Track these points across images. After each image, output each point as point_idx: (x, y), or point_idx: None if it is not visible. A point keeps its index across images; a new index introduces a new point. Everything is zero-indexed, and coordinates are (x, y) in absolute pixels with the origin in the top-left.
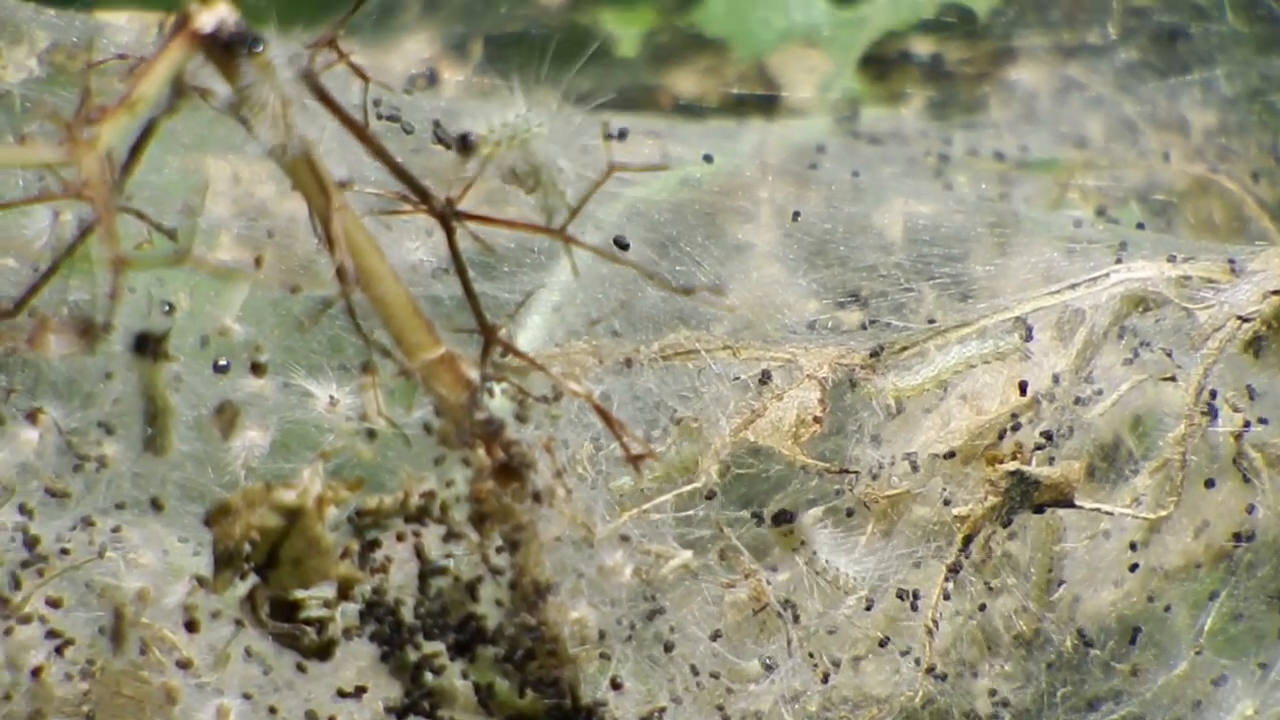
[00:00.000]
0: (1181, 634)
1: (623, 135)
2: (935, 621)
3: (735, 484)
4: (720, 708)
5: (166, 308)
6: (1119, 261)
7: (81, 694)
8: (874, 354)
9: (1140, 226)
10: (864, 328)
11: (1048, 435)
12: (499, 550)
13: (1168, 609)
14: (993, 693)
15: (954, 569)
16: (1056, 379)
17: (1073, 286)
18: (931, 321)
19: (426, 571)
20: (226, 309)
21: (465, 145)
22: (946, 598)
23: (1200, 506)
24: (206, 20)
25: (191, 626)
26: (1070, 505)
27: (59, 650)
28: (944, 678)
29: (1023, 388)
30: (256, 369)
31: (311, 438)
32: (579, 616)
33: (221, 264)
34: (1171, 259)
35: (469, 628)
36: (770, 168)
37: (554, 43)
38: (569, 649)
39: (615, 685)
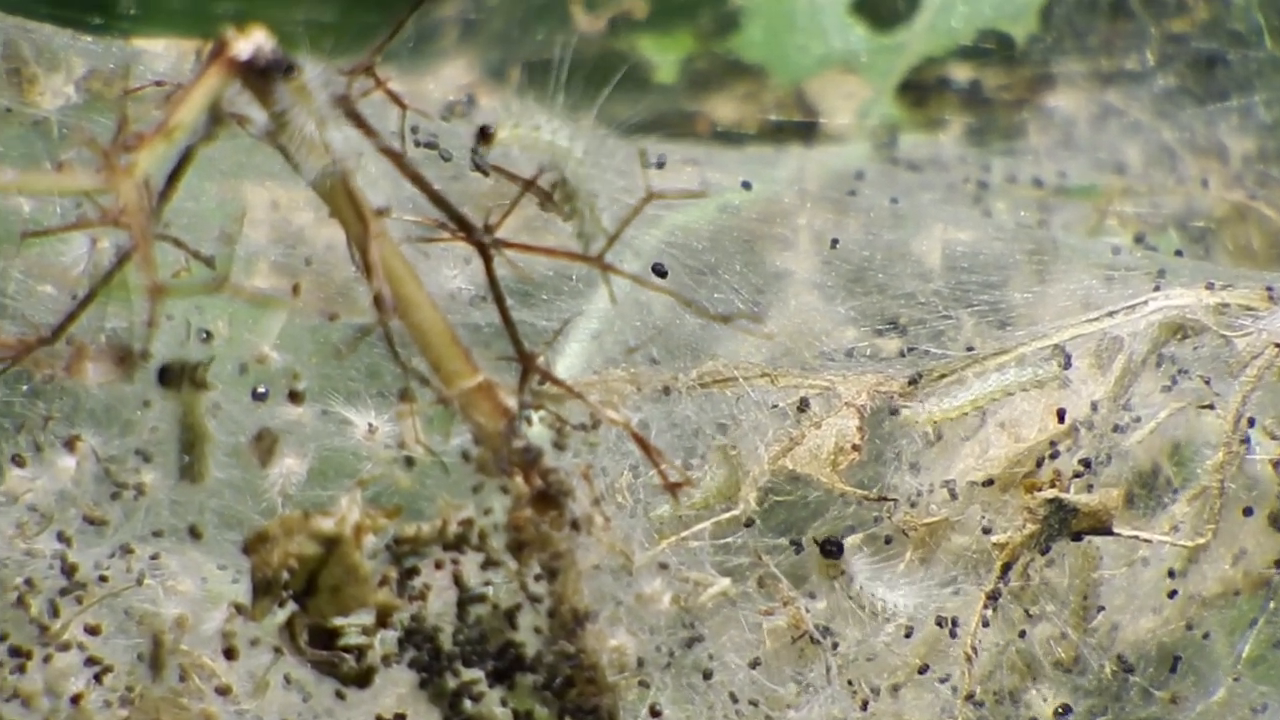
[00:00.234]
0: (1220, 661)
1: (661, 162)
2: (974, 649)
3: (774, 511)
4: None
5: (204, 335)
6: (1157, 289)
7: None
8: (912, 381)
9: (1179, 253)
10: (902, 355)
11: (1086, 463)
12: (537, 578)
13: (1206, 636)
14: None
15: (993, 596)
16: (1095, 406)
17: (1111, 314)
18: (970, 349)
19: (465, 599)
20: (265, 336)
21: (483, 135)
22: (985, 625)
23: (1238, 534)
24: (243, 47)
25: (230, 654)
26: (1108, 533)
27: (98, 677)
28: (983, 705)
29: (1061, 415)
30: (295, 396)
31: (349, 465)
32: (618, 644)
33: (259, 291)
34: (1210, 286)
35: (508, 655)
36: (809, 194)
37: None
38: (608, 676)
39: (654, 713)
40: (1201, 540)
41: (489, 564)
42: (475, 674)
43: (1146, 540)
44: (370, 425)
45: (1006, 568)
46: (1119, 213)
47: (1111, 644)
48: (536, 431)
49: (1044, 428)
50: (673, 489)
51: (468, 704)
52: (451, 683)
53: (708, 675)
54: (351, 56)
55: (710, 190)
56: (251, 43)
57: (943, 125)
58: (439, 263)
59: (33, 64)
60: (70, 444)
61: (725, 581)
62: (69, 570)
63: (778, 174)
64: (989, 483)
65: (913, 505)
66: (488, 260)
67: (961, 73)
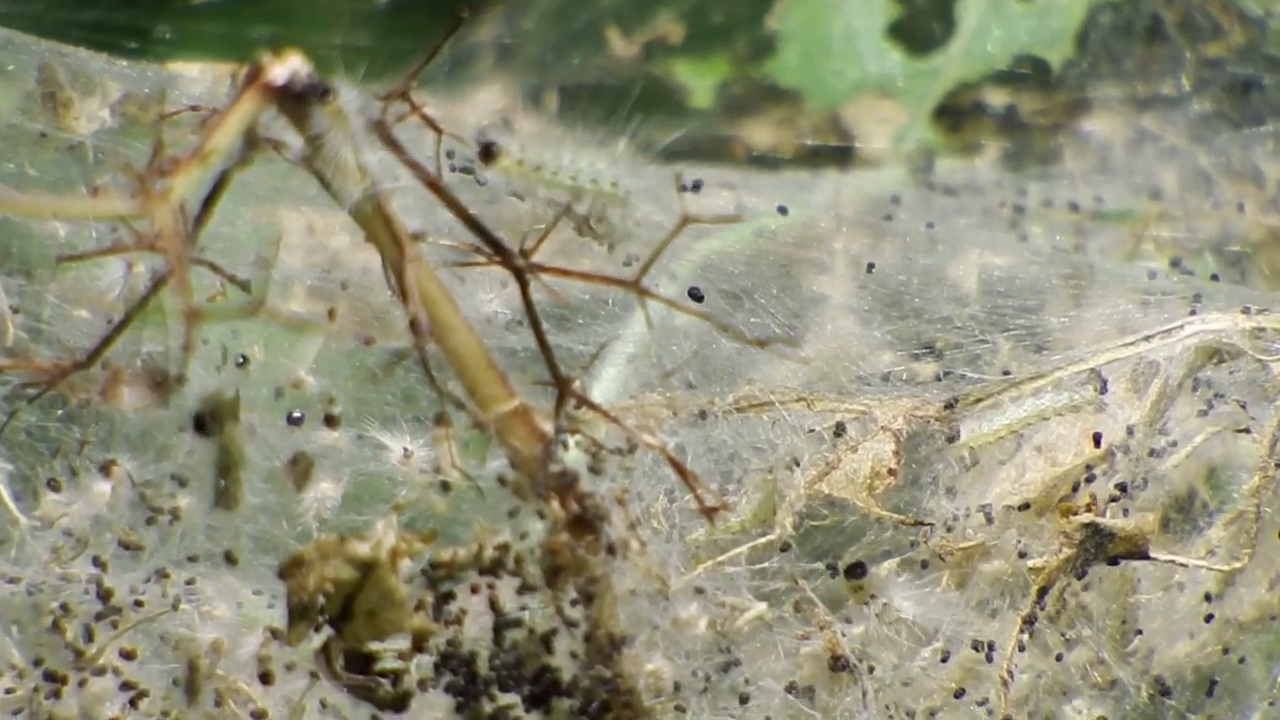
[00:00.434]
0: (1257, 685)
1: (697, 186)
2: (1010, 673)
3: (810, 536)
4: None
5: (240, 360)
6: (1193, 313)
7: None
8: (949, 406)
9: (1215, 278)
10: (939, 380)
11: (1122, 487)
12: (574, 602)
13: (1243, 660)
14: None
15: (1029, 620)
16: (1131, 431)
17: (1147, 338)
18: (1006, 373)
19: (501, 623)
20: (300, 361)
21: (487, 154)
22: (1021, 649)
23: (1275, 558)
24: (279, 72)
25: (266, 678)
26: (1145, 557)
27: (133, 702)
28: None
29: (1097, 440)
30: (330, 421)
31: (385, 490)
32: (654, 669)
33: (295, 316)
34: (1246, 310)
35: (544, 680)
36: (845, 219)
37: (628, 94)
38: (644, 701)
39: None
40: (1238, 564)
41: (525, 589)
42: (511, 699)
43: (1183, 564)
44: (406, 450)
45: (1043, 592)
46: (1155, 237)
47: (1148, 668)
48: (572, 456)
49: (1080, 452)
50: (709, 513)
51: None
52: (487, 707)
53: (744, 700)
54: (387, 81)
55: (746, 215)
56: (287, 68)
57: (978, 150)
58: (475, 287)
59: (68, 88)
60: (106, 469)
61: (761, 606)
62: (104, 595)
63: (814, 199)
64: (1025, 507)
65: (949, 530)
66: (524, 285)
67: (997, 97)
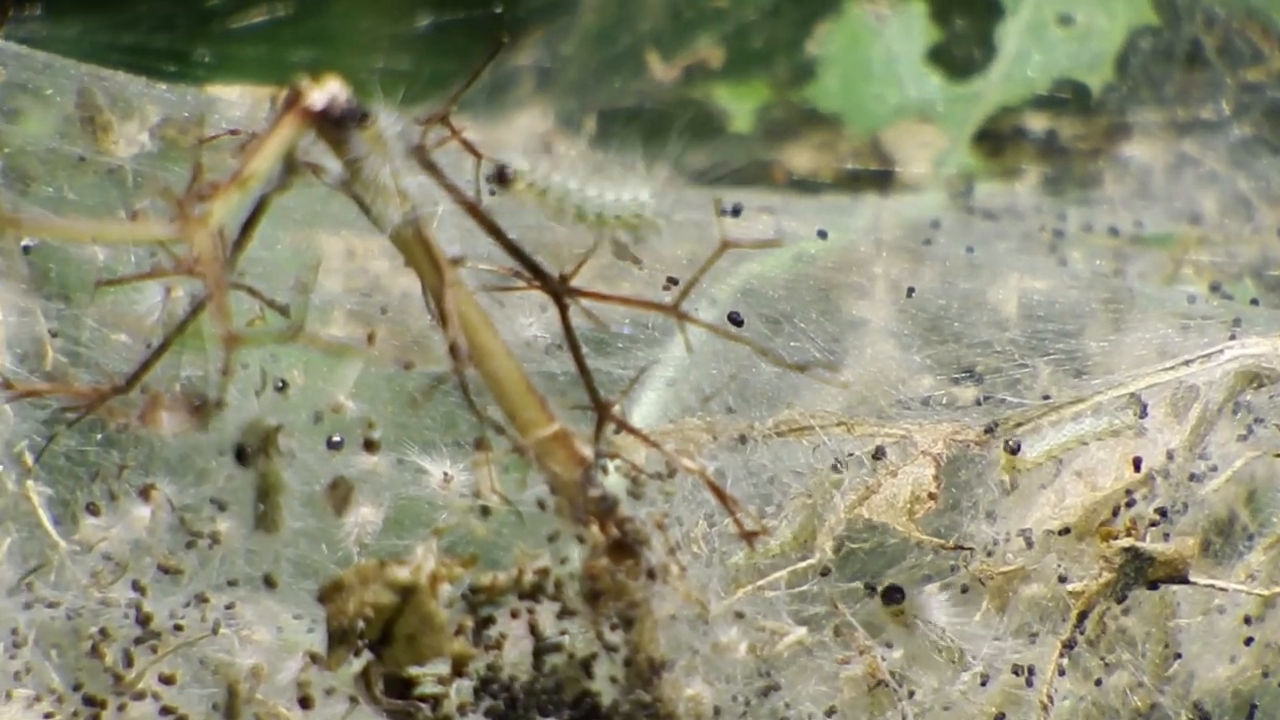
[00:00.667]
0: None
1: (737, 211)
2: (1050, 697)
3: (850, 560)
4: None
5: (280, 384)
6: (1233, 337)
7: None
8: (989, 430)
9: (1254, 302)
10: (979, 404)
11: (1162, 511)
12: (613, 627)
13: None
14: None
15: (1069, 645)
16: (1171, 455)
17: (1187, 363)
18: (1046, 398)
19: (541, 648)
20: (340, 385)
21: (502, 178)
22: (1061, 673)
23: None
24: (318, 97)
25: (306, 703)
26: (1185, 581)
27: None
28: None
29: (1137, 464)
30: (370, 445)
31: (425, 514)
32: (694, 693)
33: (334, 340)
34: None
35: (584, 704)
36: (885, 243)
37: (668, 118)
38: None
39: None
40: (1278, 588)
41: (565, 613)
42: None
43: (1223, 588)
44: (446, 474)
45: (1083, 616)
46: (1195, 261)
47: (1188, 692)
48: (612, 481)
49: (1120, 476)
50: (749, 537)
51: None
52: None
53: None
54: (427, 105)
55: (786, 239)
56: (326, 92)
57: (1018, 174)
58: (514, 311)
59: (107, 112)
60: (145, 493)
61: (801, 630)
62: (144, 619)
63: (854, 223)
64: (1065, 531)
65: (989, 554)
66: (563, 309)
67: (1037, 122)
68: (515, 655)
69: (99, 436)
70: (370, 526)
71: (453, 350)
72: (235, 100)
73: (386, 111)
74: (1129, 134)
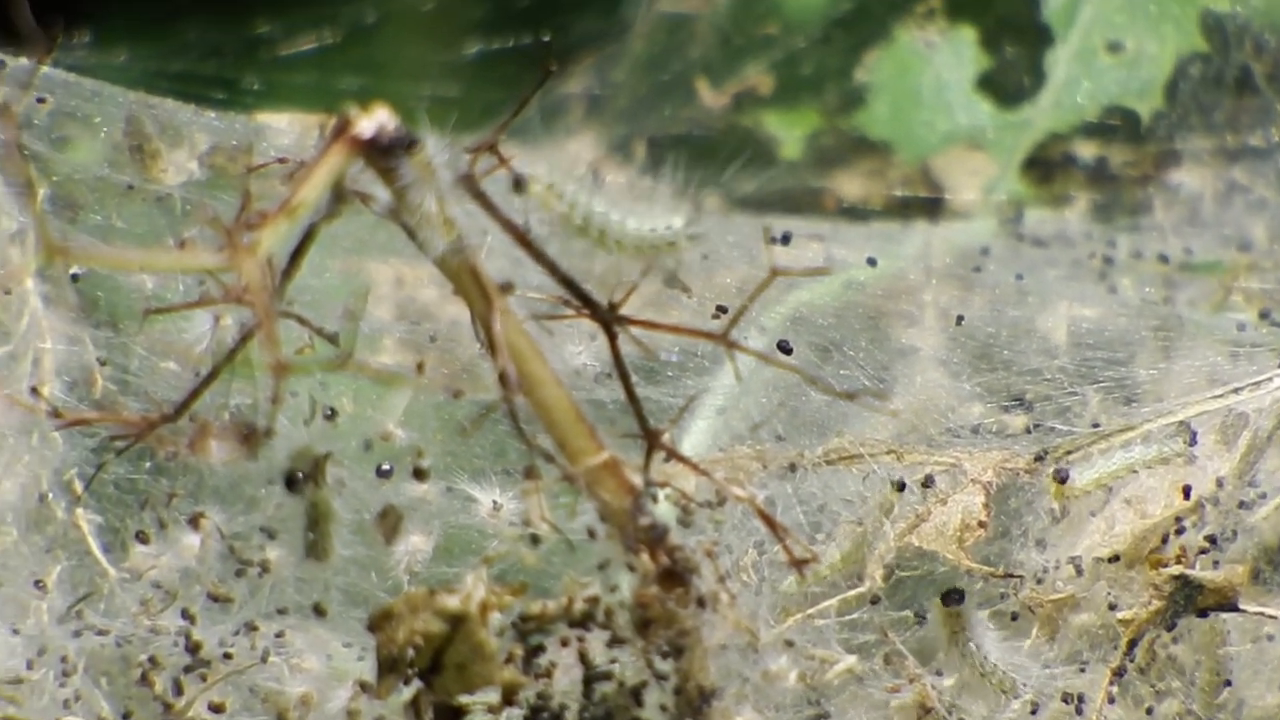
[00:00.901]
0: None
1: (786, 239)
2: None
3: (900, 588)
4: None
5: (329, 412)
6: None
7: None
8: (1038, 458)
9: None
10: (1028, 432)
11: (1212, 539)
12: (663, 655)
13: None
14: None
15: (1119, 673)
16: (1220, 483)
17: (1236, 390)
18: (1096, 425)
19: (591, 676)
20: (389, 413)
21: (517, 185)
22: (1111, 701)
23: None
24: (366, 125)
25: None
26: (1234, 609)
27: None
28: None
29: (1187, 491)
30: (419, 474)
31: (475, 543)
32: None
33: (384, 368)
34: None
35: None
36: (934, 271)
37: (717, 145)
38: None
39: None
40: None
41: (615, 641)
42: None
43: (1272, 616)
44: (495, 502)
45: (1132, 644)
46: (1244, 289)
47: (1238, 719)
48: (662, 508)
49: (1170, 504)
50: (798, 566)
51: None
52: None
53: None
54: (476, 133)
55: (835, 266)
56: (374, 121)
57: (1068, 201)
58: (564, 339)
59: (155, 139)
60: (194, 521)
61: (851, 659)
62: (193, 648)
63: (903, 250)
64: (1115, 559)
65: (1039, 582)
66: (612, 337)
67: (1087, 149)
68: (565, 683)
69: (148, 464)
70: (420, 554)
71: (502, 378)
72: (284, 128)
73: (435, 139)
74: (1178, 161)
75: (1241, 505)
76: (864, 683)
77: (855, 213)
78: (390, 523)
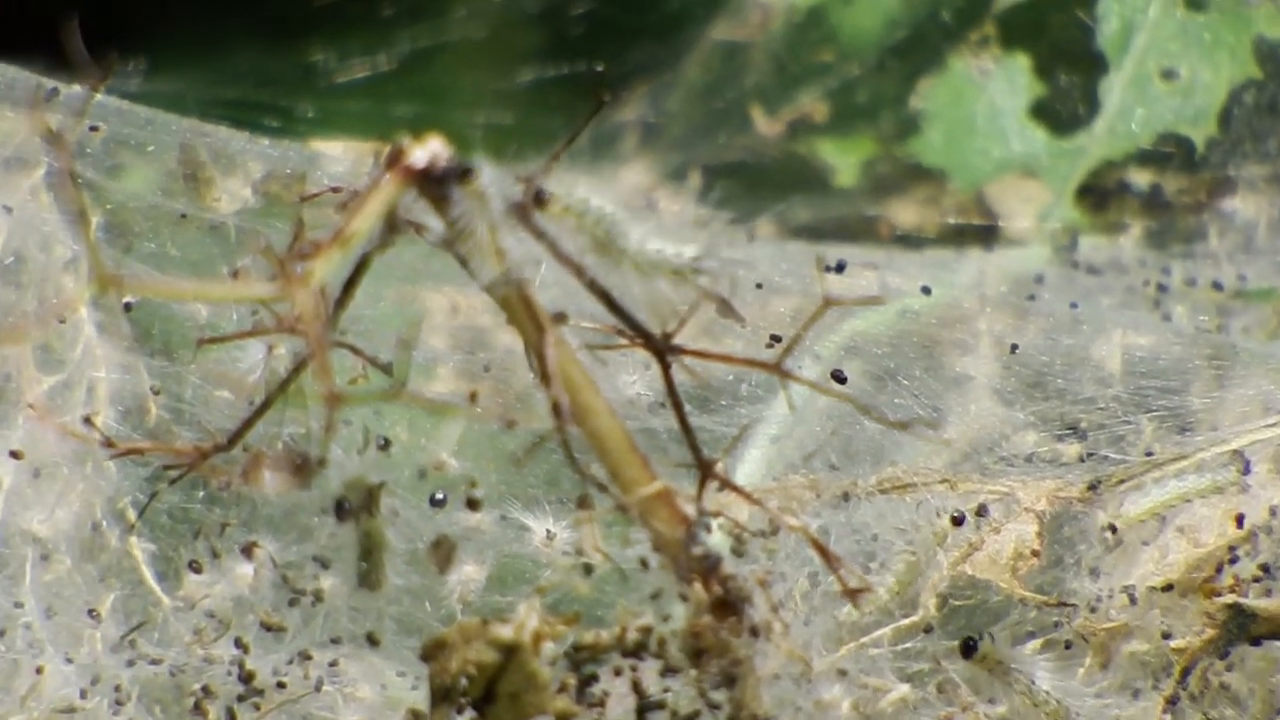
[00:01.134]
0: None
1: (841, 267)
2: None
3: (953, 617)
4: None
5: (382, 442)
6: None
7: None
8: (1092, 487)
9: None
10: (1082, 460)
11: (1265, 568)
12: (717, 685)
13: None
14: None
15: (1172, 701)
16: (1274, 511)
17: None
18: (1149, 454)
19: (644, 706)
20: (443, 443)
21: (538, 199)
22: None
23: None
24: (419, 155)
25: None
26: None
27: None
28: None
29: (1240, 520)
30: (473, 503)
31: (528, 572)
32: None
33: (436, 399)
34: None
35: None
36: (989, 299)
37: (772, 173)
38: None
39: None
40: None
41: (668, 671)
42: None
43: None
44: (549, 532)
45: (1186, 673)
46: None
47: None
48: (716, 538)
49: (1223, 533)
50: (852, 595)
51: None
52: None
53: None
54: (530, 161)
55: (890, 295)
56: (427, 151)
57: (1122, 229)
58: (617, 369)
59: (209, 167)
60: (248, 550)
61: (905, 688)
62: (246, 677)
63: (958, 278)
64: (1168, 588)
65: (1092, 610)
66: (665, 367)
67: (1141, 176)
68: (618, 713)
69: (201, 494)
70: (473, 584)
71: (555, 408)
72: (338, 156)
73: (489, 168)
74: (1233, 188)
75: None
76: (917, 711)
77: (910, 240)
78: (444, 552)
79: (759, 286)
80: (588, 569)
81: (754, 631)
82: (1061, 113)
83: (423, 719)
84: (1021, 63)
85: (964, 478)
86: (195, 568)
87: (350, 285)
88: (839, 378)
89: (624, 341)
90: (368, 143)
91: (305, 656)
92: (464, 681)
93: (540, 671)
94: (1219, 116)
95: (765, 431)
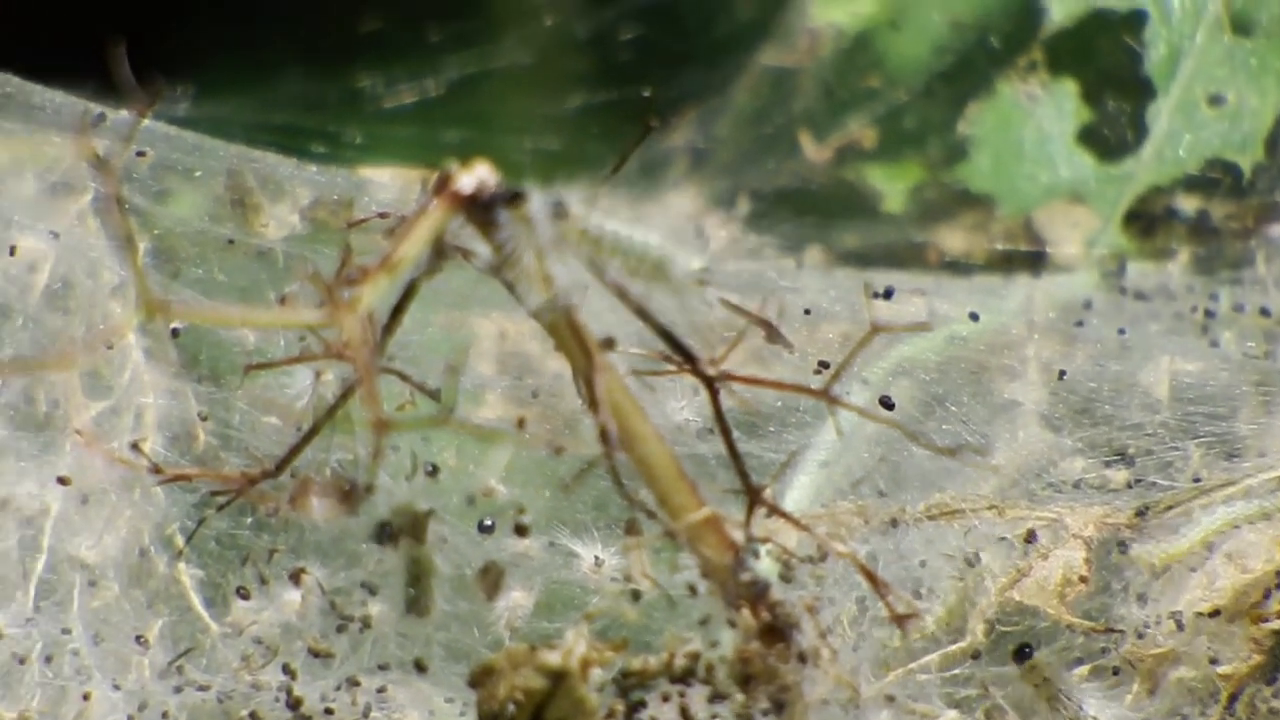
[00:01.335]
0: None
1: (889, 294)
2: None
3: (1001, 643)
4: None
5: (430, 469)
6: None
7: None
8: (1140, 513)
9: None
10: (1130, 486)
11: None
12: (765, 711)
13: None
14: None
15: None
16: None
17: None
18: (1197, 480)
19: None
20: (491, 469)
21: (558, 212)
22: None
23: None
24: (467, 181)
25: None
26: None
27: None
28: None
29: None
30: (521, 529)
31: (576, 598)
32: None
33: (483, 425)
34: None
35: None
36: (1036, 325)
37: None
38: None
39: None
40: None
41: (716, 696)
42: None
43: None
44: (597, 558)
45: (1233, 698)
46: None
47: None
48: (764, 564)
49: (1271, 559)
50: (900, 621)
51: None
52: None
53: None
54: (578, 187)
55: (938, 321)
56: (475, 177)
57: (1170, 255)
58: (665, 395)
59: (257, 193)
60: (295, 576)
61: (953, 713)
62: (294, 703)
63: (1006, 304)
64: (1216, 613)
65: (1140, 636)
66: (713, 393)
67: (1189, 202)
68: None
69: (249, 520)
70: (521, 610)
71: (603, 434)
72: (386, 182)
73: (537, 194)
74: None
75: None
76: None
77: (958, 266)
78: (492, 578)
79: (807, 312)
80: (636, 595)
81: (802, 657)
82: (1109, 138)
83: None
84: (1069, 88)
85: (1012, 504)
86: (243, 594)
87: (398, 311)
88: (887, 404)
89: (672, 367)
90: (415, 168)
91: (353, 683)
92: (512, 708)
93: (588, 698)
94: (1266, 142)
95: (813, 457)
